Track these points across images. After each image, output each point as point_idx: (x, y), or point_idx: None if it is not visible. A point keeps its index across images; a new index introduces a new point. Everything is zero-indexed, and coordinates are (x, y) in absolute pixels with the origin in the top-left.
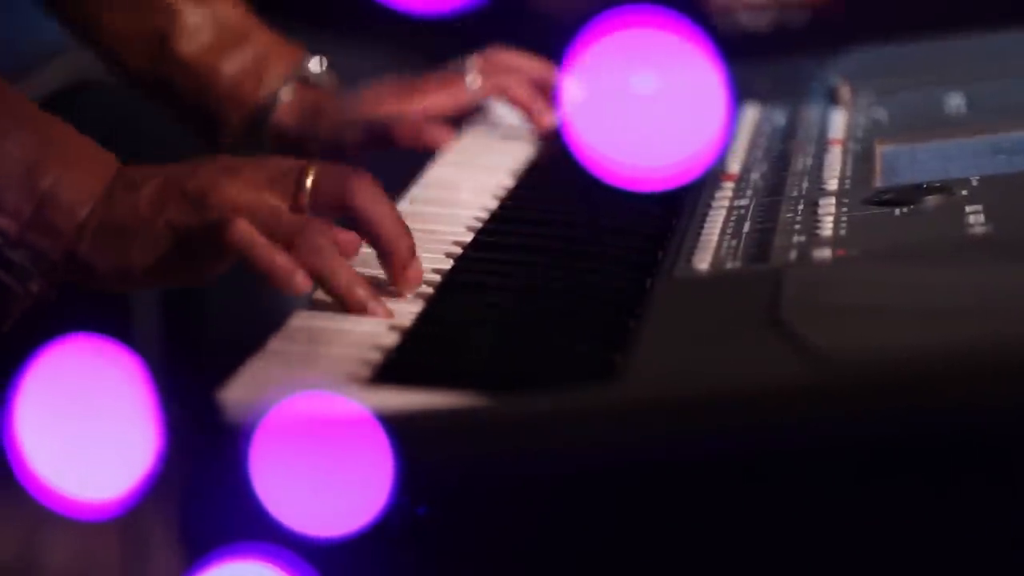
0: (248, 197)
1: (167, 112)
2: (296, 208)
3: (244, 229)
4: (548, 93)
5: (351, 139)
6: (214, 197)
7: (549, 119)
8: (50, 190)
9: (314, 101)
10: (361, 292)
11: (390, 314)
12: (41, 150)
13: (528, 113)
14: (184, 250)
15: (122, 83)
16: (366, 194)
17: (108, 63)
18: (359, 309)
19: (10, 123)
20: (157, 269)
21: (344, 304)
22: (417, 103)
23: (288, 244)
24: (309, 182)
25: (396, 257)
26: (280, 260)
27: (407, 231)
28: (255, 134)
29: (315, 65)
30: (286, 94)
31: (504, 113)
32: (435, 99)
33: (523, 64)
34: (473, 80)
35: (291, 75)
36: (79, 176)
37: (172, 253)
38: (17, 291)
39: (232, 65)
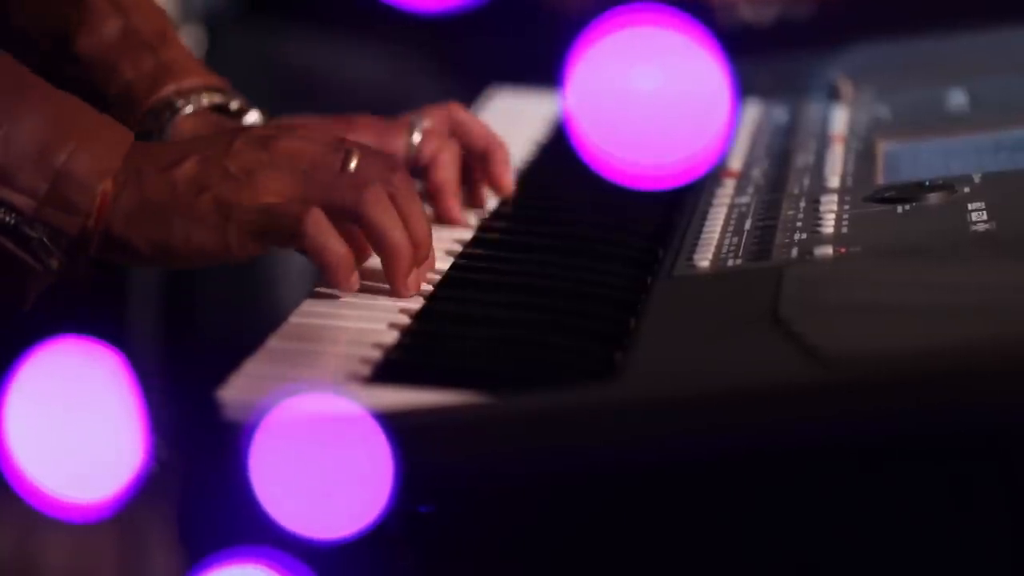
0: (294, 179)
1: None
2: None
3: (321, 219)
4: (492, 166)
5: None
6: (259, 177)
7: (454, 214)
8: (65, 166)
9: (221, 127)
10: (404, 265)
11: (417, 286)
12: (55, 127)
13: (436, 197)
14: (235, 227)
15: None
16: (405, 189)
17: (14, 53)
18: (399, 279)
19: (23, 101)
20: (201, 247)
21: (389, 266)
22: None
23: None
24: (353, 164)
25: (419, 252)
26: (347, 256)
27: (429, 230)
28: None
29: (238, 104)
30: (186, 109)
31: (506, 101)
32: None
33: (473, 131)
34: (417, 139)
35: (197, 93)
36: (94, 151)
37: (219, 230)
38: (36, 268)
39: (132, 68)
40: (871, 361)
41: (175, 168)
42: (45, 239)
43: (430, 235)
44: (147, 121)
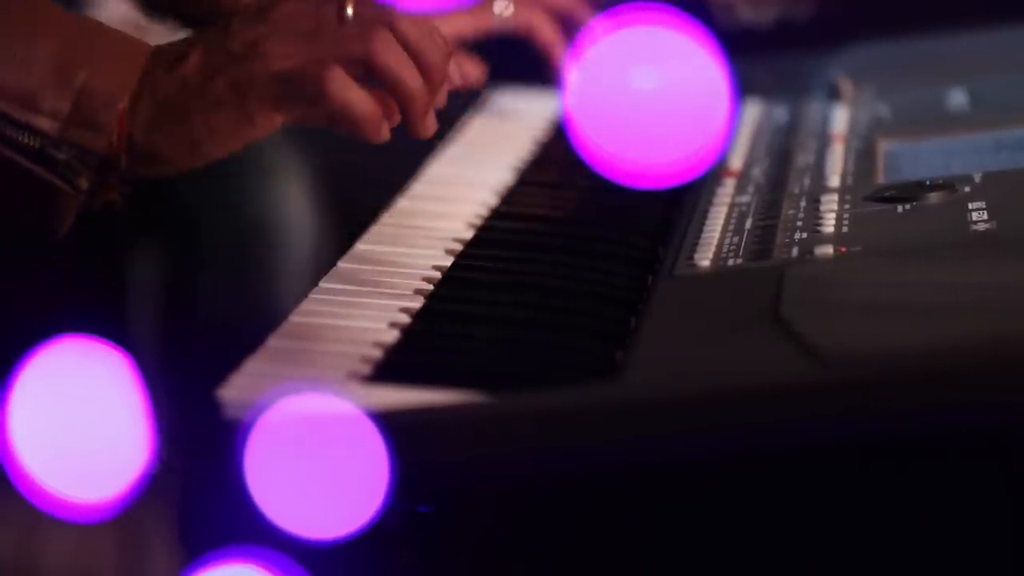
0: (299, 43)
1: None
2: None
3: (341, 76)
4: (574, 30)
5: None
6: (266, 47)
7: (565, 64)
8: (86, 85)
9: None
10: (420, 106)
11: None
12: (71, 47)
13: (548, 53)
14: (256, 101)
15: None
16: (409, 22)
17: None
18: (416, 121)
19: (37, 24)
20: (225, 131)
21: (404, 107)
22: (449, 25)
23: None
24: (350, 11)
25: (408, 112)
26: (374, 109)
27: (427, 69)
28: None
29: None
30: None
31: (507, 101)
32: (463, 21)
33: (556, 4)
34: (503, 8)
35: None
36: (113, 67)
37: (239, 109)
38: (66, 190)
39: None
40: (871, 361)
41: (181, 64)
42: (72, 160)
43: (445, 56)
44: None
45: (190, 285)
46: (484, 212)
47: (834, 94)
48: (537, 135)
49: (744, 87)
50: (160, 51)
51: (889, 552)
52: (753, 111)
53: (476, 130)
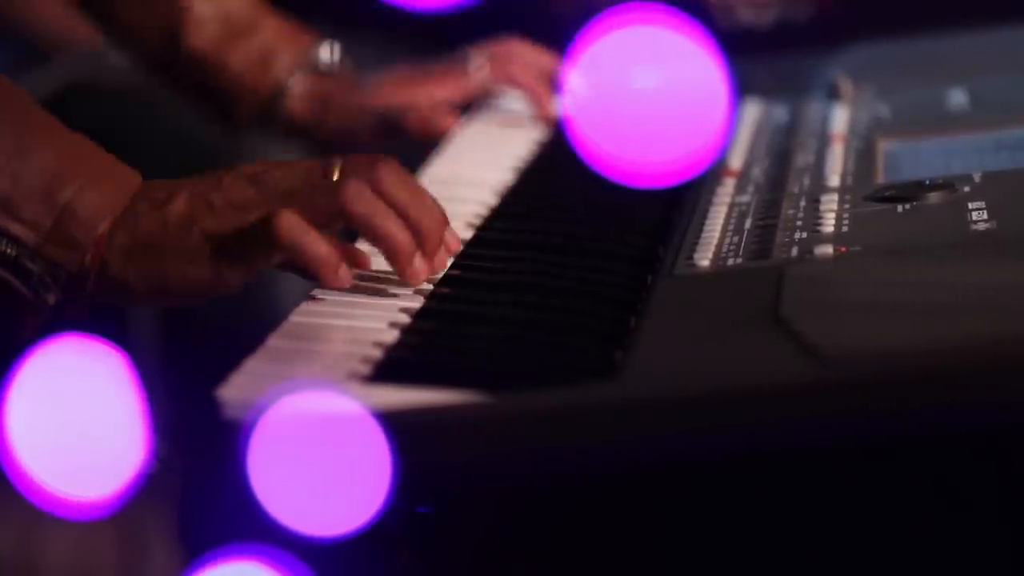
0: (279, 196)
1: (184, 100)
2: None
3: (293, 218)
4: (552, 83)
5: (363, 129)
6: (247, 205)
7: (552, 106)
8: (70, 203)
9: (324, 90)
10: (402, 250)
11: (429, 272)
12: (63, 164)
13: (534, 98)
14: (223, 257)
15: (140, 73)
16: (392, 180)
17: (124, 50)
18: (403, 267)
19: (34, 137)
20: (195, 281)
21: (389, 257)
22: (426, 92)
23: (332, 214)
24: (336, 172)
25: (428, 244)
26: (328, 251)
27: (439, 219)
28: (266, 123)
29: (325, 53)
30: (295, 84)
31: (507, 100)
32: (443, 88)
33: (529, 54)
34: (479, 68)
35: (300, 64)
36: (100, 191)
37: (211, 262)
38: (33, 301)
39: (239, 57)
40: (871, 361)
41: (167, 205)
42: (45, 274)
43: (437, 219)
44: (264, 109)
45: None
46: (484, 212)
47: (834, 94)
48: (537, 135)
49: (744, 87)
50: (149, 186)
51: (889, 552)
52: (753, 111)
53: (476, 130)
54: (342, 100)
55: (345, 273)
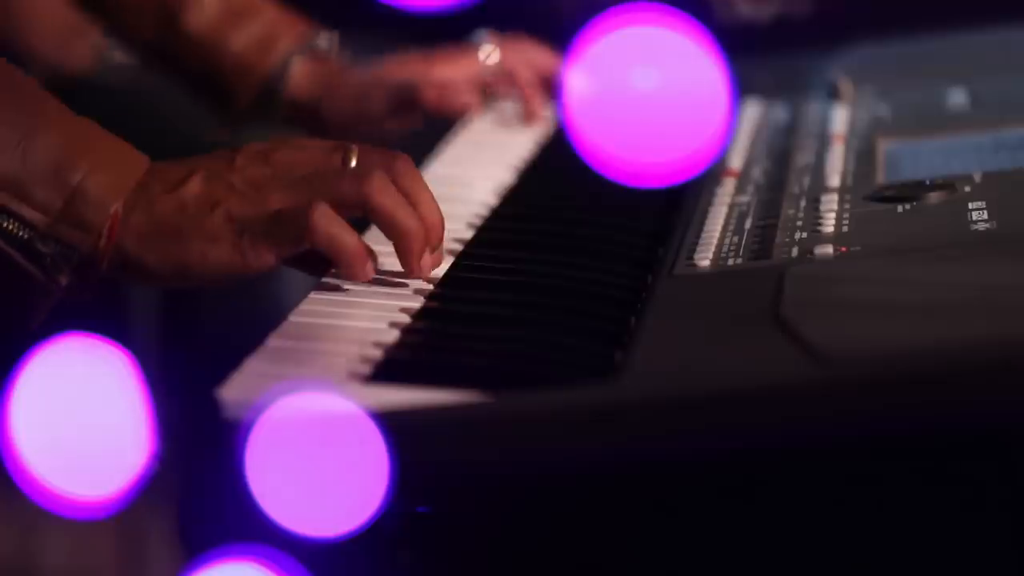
0: (298, 186)
1: (179, 86)
2: None
3: (327, 211)
4: (551, 86)
5: (375, 105)
6: (265, 190)
7: (542, 112)
8: (81, 184)
9: (327, 72)
10: (417, 246)
11: (431, 268)
12: (72, 146)
13: (526, 99)
14: (248, 240)
15: (134, 57)
16: (409, 176)
17: (119, 38)
18: (413, 260)
19: (42, 120)
20: (217, 263)
21: (403, 250)
22: (439, 69)
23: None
24: (353, 161)
25: (432, 237)
26: (359, 244)
27: (441, 216)
28: (267, 107)
29: (324, 40)
30: (296, 65)
31: (506, 104)
32: (453, 68)
33: (537, 53)
34: (488, 54)
35: (300, 47)
36: (110, 171)
37: (234, 245)
38: (45, 284)
39: (239, 39)
40: (871, 361)
41: (182, 187)
42: (56, 255)
43: (440, 217)
44: (265, 90)
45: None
46: (484, 212)
47: (834, 94)
48: (537, 135)
49: (744, 87)
50: (160, 167)
51: (889, 552)
52: (753, 111)
53: (476, 130)
54: (349, 79)
55: (371, 267)
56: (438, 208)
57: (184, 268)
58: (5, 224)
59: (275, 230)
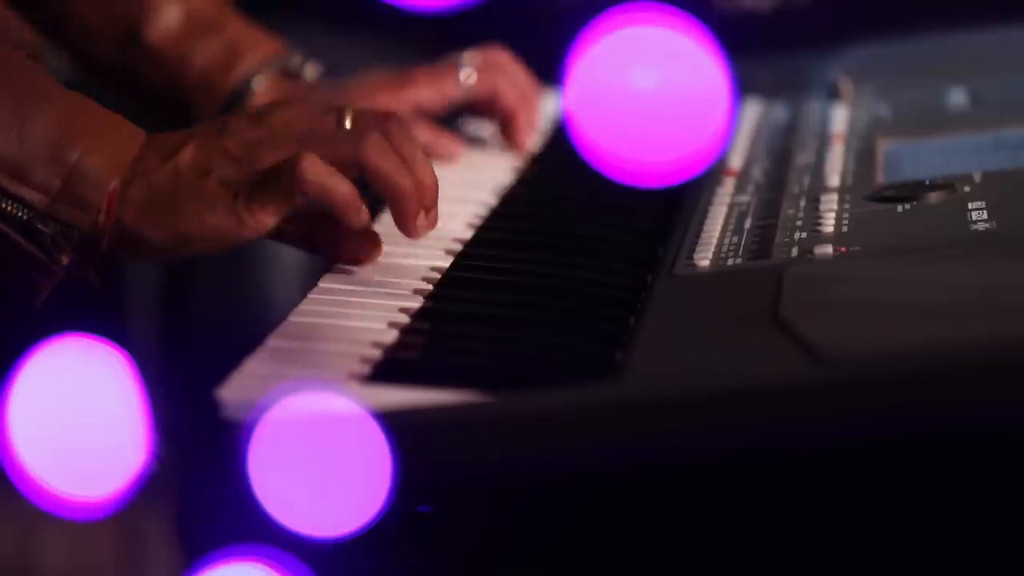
0: (292, 147)
1: (137, 104)
2: None
3: (316, 161)
4: (530, 108)
5: None
6: (259, 151)
7: (524, 136)
8: (78, 163)
9: (291, 93)
10: (412, 207)
11: (426, 229)
12: (68, 124)
13: (509, 121)
14: (243, 202)
15: (89, 77)
16: (403, 136)
17: (76, 56)
18: (408, 220)
19: (37, 99)
20: (215, 228)
21: (397, 211)
22: (407, 97)
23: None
24: (348, 121)
25: (426, 197)
26: (351, 190)
27: (434, 176)
28: None
29: (295, 60)
30: (260, 83)
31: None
32: (426, 92)
33: (518, 74)
34: (468, 76)
35: (266, 65)
36: (107, 148)
37: (230, 209)
38: (46, 264)
39: (203, 54)
40: (871, 361)
41: (176, 155)
42: (57, 235)
43: (435, 178)
44: (226, 107)
45: (190, 284)
46: (484, 212)
47: (834, 94)
48: (537, 135)
49: (744, 87)
50: (155, 138)
51: (889, 552)
52: (753, 110)
53: (476, 130)
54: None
55: (365, 213)
56: (431, 169)
57: (183, 236)
58: (4, 205)
59: (268, 188)
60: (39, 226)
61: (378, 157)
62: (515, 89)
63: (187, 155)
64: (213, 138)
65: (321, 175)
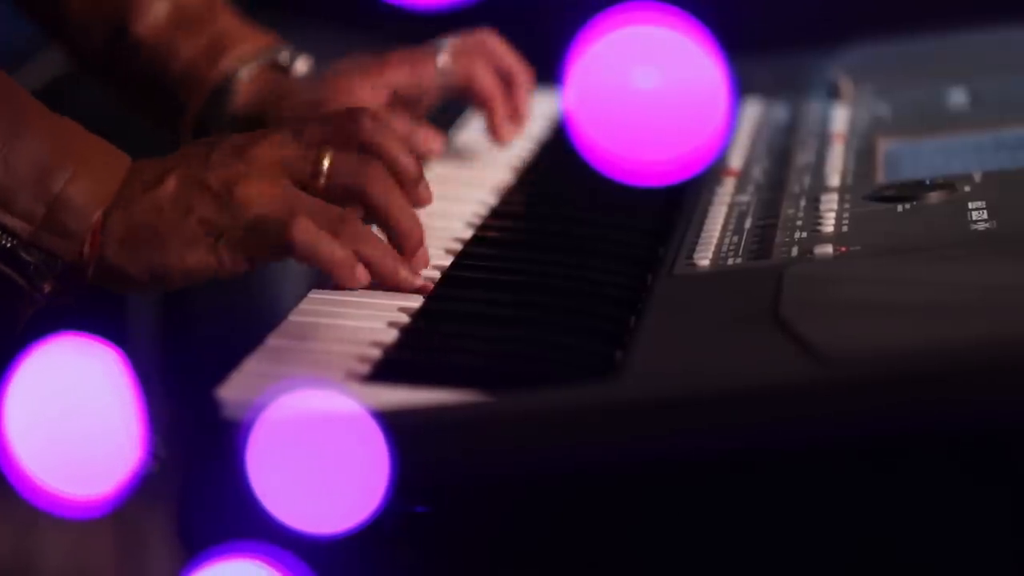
0: (274, 191)
1: (123, 100)
2: (313, 191)
3: (308, 228)
4: (514, 89)
5: None
6: (240, 191)
7: (502, 124)
8: (63, 192)
9: (278, 85)
10: (405, 273)
11: (427, 287)
12: (54, 152)
13: (486, 107)
14: (226, 245)
15: (80, 71)
16: (380, 185)
17: (70, 52)
18: (407, 287)
19: (23, 126)
20: (195, 268)
21: (391, 285)
22: (384, 81)
23: (333, 232)
24: (326, 166)
25: (407, 248)
26: (343, 255)
27: (417, 221)
28: (214, 117)
29: (285, 55)
30: (246, 75)
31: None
32: (402, 77)
33: (500, 51)
34: (445, 61)
35: (253, 57)
36: (91, 178)
37: (211, 250)
38: (29, 292)
39: (190, 46)
40: (871, 360)
41: (158, 187)
42: (40, 264)
43: (418, 226)
44: (212, 98)
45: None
46: (484, 212)
47: (834, 93)
48: (537, 134)
49: (744, 86)
50: (139, 166)
51: (889, 552)
52: (753, 110)
53: (476, 130)
54: (297, 95)
55: (362, 273)
56: (414, 215)
57: (162, 273)
58: None
59: (253, 240)
60: (23, 255)
61: (349, 238)
62: (492, 75)
63: (169, 187)
64: (194, 170)
65: (312, 241)
